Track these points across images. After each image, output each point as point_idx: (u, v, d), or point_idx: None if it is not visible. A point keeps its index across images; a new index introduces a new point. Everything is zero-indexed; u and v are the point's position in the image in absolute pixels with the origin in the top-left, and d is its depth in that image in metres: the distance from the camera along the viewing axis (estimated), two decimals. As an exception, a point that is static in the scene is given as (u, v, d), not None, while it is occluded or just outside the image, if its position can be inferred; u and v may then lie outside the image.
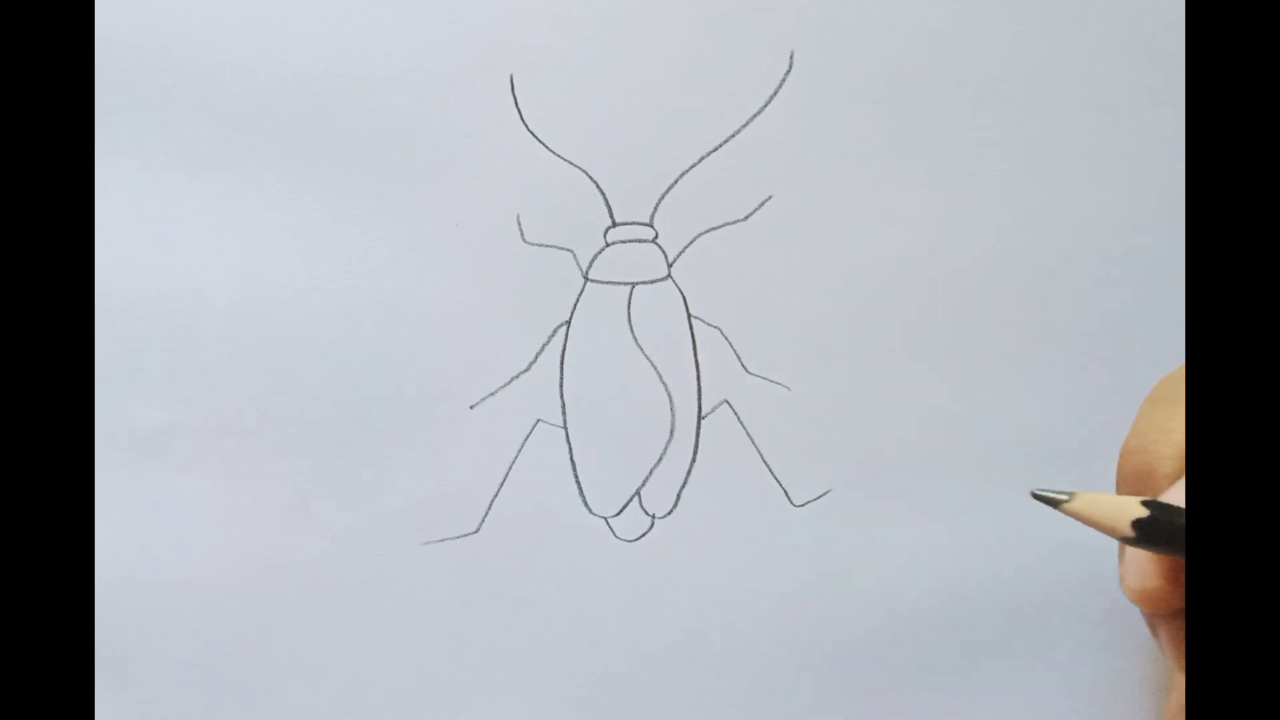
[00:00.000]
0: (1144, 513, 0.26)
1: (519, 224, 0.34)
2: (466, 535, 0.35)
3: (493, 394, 0.35)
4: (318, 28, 0.34)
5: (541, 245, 0.34)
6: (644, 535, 0.35)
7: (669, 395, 0.35)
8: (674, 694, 0.35)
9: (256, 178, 0.34)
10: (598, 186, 0.34)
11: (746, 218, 0.35)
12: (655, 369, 0.35)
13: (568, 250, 0.34)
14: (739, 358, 0.35)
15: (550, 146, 0.34)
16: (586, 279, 0.35)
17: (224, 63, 0.34)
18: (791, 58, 0.34)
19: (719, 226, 0.35)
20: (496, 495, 0.35)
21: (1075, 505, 0.26)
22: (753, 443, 0.35)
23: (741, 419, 0.35)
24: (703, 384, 0.35)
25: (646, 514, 0.35)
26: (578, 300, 0.35)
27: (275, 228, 0.34)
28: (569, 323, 0.35)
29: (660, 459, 0.35)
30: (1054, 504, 0.27)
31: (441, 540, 0.35)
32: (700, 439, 0.35)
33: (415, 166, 0.34)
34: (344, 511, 0.35)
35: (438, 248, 0.34)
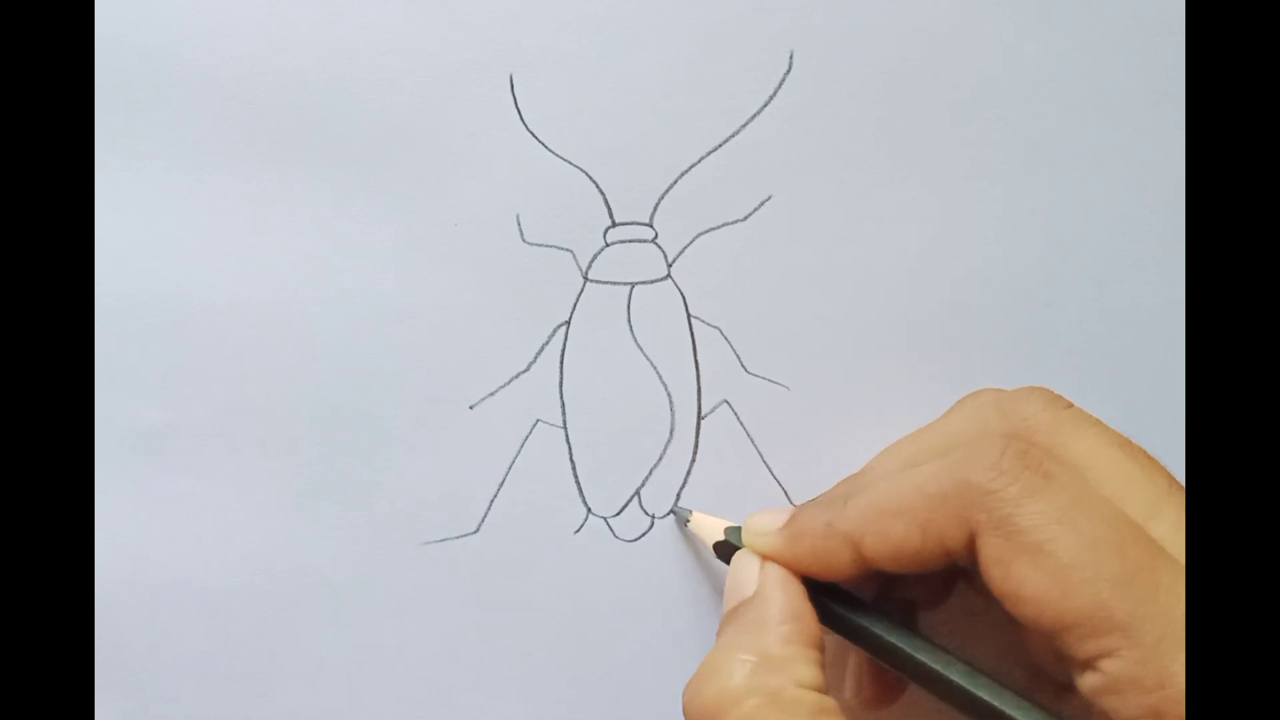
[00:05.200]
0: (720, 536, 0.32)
1: (519, 224, 0.34)
2: (466, 535, 0.35)
3: (493, 394, 0.35)
4: (318, 28, 0.34)
5: (541, 245, 0.34)
6: (644, 535, 0.35)
7: (669, 395, 0.35)
8: (673, 694, 0.35)
9: (256, 178, 0.34)
10: (597, 186, 0.34)
11: (746, 218, 0.35)
12: (655, 369, 0.35)
13: (567, 250, 0.34)
14: (739, 358, 0.35)
15: (550, 146, 0.34)
16: (586, 279, 0.35)
17: (224, 63, 0.34)
18: (791, 58, 0.34)
19: (718, 226, 0.35)
20: (496, 495, 0.35)
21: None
22: (753, 443, 0.35)
23: (741, 419, 0.35)
24: (702, 384, 0.35)
25: (646, 514, 0.35)
26: (577, 300, 0.35)
27: (275, 228, 0.34)
28: (569, 323, 0.35)
29: (660, 459, 0.35)
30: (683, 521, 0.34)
31: (441, 540, 0.35)
32: (700, 439, 0.35)
33: (415, 166, 0.34)
34: (344, 511, 0.35)
35: (438, 248, 0.34)
